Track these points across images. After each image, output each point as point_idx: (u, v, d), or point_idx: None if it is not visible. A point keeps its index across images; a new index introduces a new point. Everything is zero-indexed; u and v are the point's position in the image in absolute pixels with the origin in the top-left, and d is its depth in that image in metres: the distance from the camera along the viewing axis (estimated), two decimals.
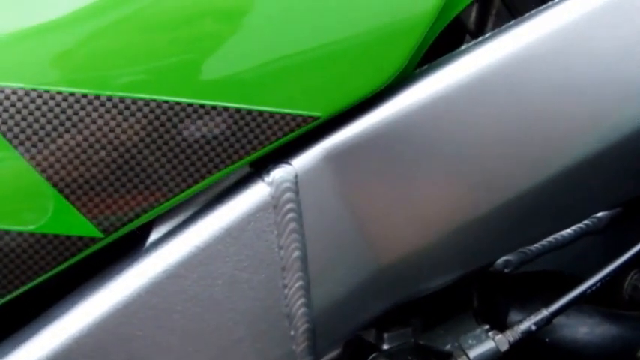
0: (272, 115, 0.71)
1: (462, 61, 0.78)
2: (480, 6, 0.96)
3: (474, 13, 0.97)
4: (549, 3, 0.82)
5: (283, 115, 0.71)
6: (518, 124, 0.79)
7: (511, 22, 0.81)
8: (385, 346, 0.91)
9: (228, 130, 0.70)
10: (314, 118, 0.72)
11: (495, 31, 0.81)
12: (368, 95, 0.73)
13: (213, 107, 0.69)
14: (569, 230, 0.87)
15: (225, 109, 0.69)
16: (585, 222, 0.87)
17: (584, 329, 0.92)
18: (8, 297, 0.71)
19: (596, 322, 0.93)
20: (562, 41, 0.78)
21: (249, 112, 0.70)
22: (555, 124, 0.80)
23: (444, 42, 0.83)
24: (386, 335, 0.92)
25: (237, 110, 0.70)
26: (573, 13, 0.79)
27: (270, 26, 0.70)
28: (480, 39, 0.81)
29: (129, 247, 0.74)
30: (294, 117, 0.71)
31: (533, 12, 0.81)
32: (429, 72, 0.78)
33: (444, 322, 0.91)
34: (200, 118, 0.69)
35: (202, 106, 0.69)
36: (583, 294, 0.85)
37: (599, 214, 0.88)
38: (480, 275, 0.88)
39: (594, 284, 0.84)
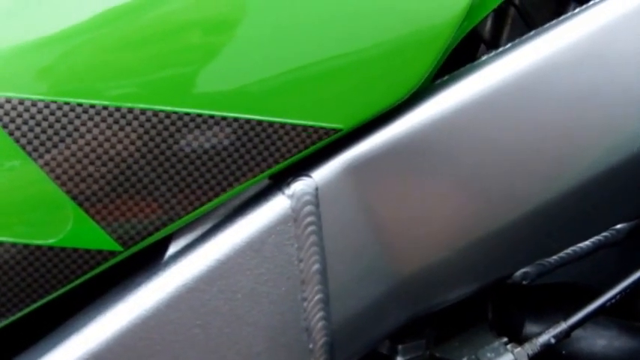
0: (294, 127, 0.70)
1: (483, 72, 0.77)
2: (496, 15, 0.96)
3: (489, 23, 0.97)
4: (569, 14, 0.81)
5: (305, 127, 0.70)
6: (538, 136, 0.78)
7: (531, 33, 0.81)
8: (399, 359, 0.90)
9: (250, 142, 0.69)
10: (336, 130, 0.71)
11: (515, 42, 0.80)
12: (391, 106, 0.73)
13: (235, 119, 0.68)
14: (587, 242, 0.86)
15: (247, 121, 0.69)
16: (604, 233, 0.86)
17: (601, 342, 0.92)
18: (25, 311, 0.70)
19: (614, 334, 0.92)
20: (581, 53, 0.78)
21: (271, 124, 0.69)
22: (574, 136, 0.79)
23: (459, 51, 0.83)
24: (400, 347, 0.91)
25: (259, 122, 0.69)
26: (593, 25, 0.78)
27: (292, 37, 0.69)
28: (499, 50, 0.80)
29: (146, 259, 0.73)
30: (316, 129, 0.70)
31: (553, 22, 0.80)
32: (450, 83, 0.77)
33: (459, 334, 0.90)
34: (222, 130, 0.68)
35: (224, 118, 0.68)
36: (602, 306, 0.84)
37: (618, 226, 0.87)
38: (495, 287, 0.88)
39: (614, 297, 0.84)
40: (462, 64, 0.81)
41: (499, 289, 0.90)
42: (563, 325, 0.84)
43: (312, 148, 0.71)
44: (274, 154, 0.70)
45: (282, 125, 0.69)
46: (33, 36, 0.66)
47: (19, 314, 0.69)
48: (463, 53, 0.86)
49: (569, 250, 0.86)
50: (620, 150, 0.81)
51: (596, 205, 0.83)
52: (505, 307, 0.94)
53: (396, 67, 0.72)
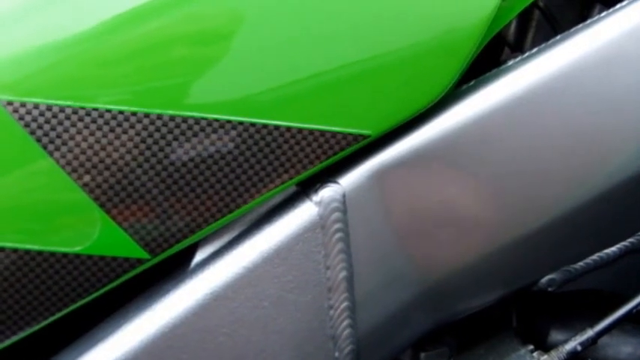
0: (322, 133, 0.69)
1: (509, 78, 0.76)
2: (520, 18, 0.95)
3: (513, 25, 0.96)
4: (596, 18, 0.80)
5: (334, 134, 0.69)
6: (566, 142, 0.77)
7: (557, 38, 0.80)
8: None
9: (279, 148, 0.68)
10: (364, 137, 0.70)
11: (542, 46, 0.79)
12: (419, 112, 0.72)
13: (264, 126, 0.68)
14: (613, 248, 0.85)
15: (276, 127, 0.68)
16: (630, 239, 0.86)
17: (627, 349, 0.91)
18: (51, 319, 0.69)
19: None
20: (608, 57, 0.77)
21: (300, 130, 0.68)
22: (602, 141, 0.79)
23: (483, 54, 0.82)
24: (422, 355, 0.90)
25: (288, 129, 0.68)
26: (620, 29, 0.78)
27: (321, 42, 0.68)
28: (526, 55, 0.79)
29: (172, 266, 0.73)
30: (344, 135, 0.69)
31: (580, 27, 0.80)
32: (477, 89, 0.76)
33: (484, 342, 0.89)
34: (251, 136, 0.68)
35: (253, 124, 0.67)
36: (629, 313, 0.83)
37: None
38: (519, 294, 0.87)
39: None
40: (485, 67, 0.81)
41: (524, 296, 0.90)
42: (590, 332, 0.83)
43: (340, 155, 0.70)
44: (303, 160, 0.69)
45: (311, 131, 0.69)
46: (61, 42, 0.65)
47: (45, 322, 0.69)
48: (487, 56, 0.85)
49: (595, 257, 0.85)
50: None
51: (623, 210, 0.83)
52: (530, 314, 0.93)
53: (424, 72, 0.71)
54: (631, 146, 0.80)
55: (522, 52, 0.93)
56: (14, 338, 0.69)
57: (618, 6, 0.80)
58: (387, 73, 0.70)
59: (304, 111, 0.68)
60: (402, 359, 0.91)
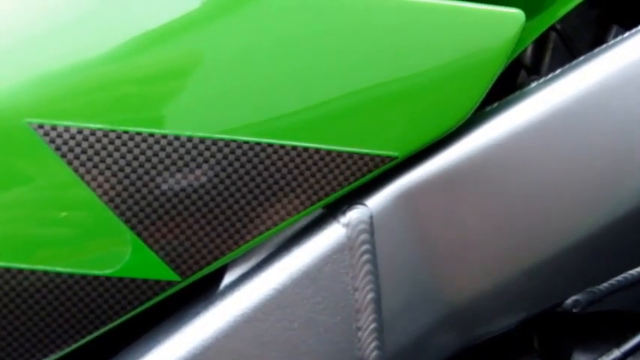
0: (351, 155, 0.69)
1: (533, 99, 0.76)
2: (537, 41, 0.95)
3: (529, 48, 0.96)
4: (619, 38, 0.81)
5: (362, 156, 0.69)
6: (591, 163, 0.77)
7: (580, 59, 0.80)
8: None
9: (308, 170, 0.69)
10: (391, 158, 0.70)
11: (565, 68, 0.80)
12: (445, 133, 0.72)
13: (293, 147, 0.68)
14: (638, 269, 0.85)
15: (305, 149, 0.68)
16: None
17: None
18: (81, 342, 0.69)
19: None
20: (632, 79, 0.77)
21: (329, 152, 0.69)
22: (626, 162, 0.79)
23: (499, 79, 0.82)
24: None
25: (317, 150, 0.68)
26: None
27: (349, 65, 0.69)
28: (549, 76, 0.80)
29: (199, 289, 0.73)
30: (372, 157, 0.70)
31: (603, 47, 0.80)
32: (501, 110, 0.77)
33: None
34: (280, 159, 0.68)
35: (282, 146, 0.68)
36: None
37: None
38: (542, 315, 0.87)
39: None
40: (501, 92, 0.81)
41: (545, 318, 0.89)
42: (617, 353, 0.83)
43: (367, 176, 0.71)
44: (331, 182, 0.70)
45: (339, 153, 0.69)
46: (91, 64, 0.65)
47: (75, 345, 0.69)
48: (503, 80, 0.85)
49: (620, 277, 0.85)
50: None
51: None
52: (552, 336, 0.93)
53: (451, 94, 0.72)
54: None
55: (539, 75, 0.94)
56: None
57: (638, 28, 0.81)
58: (414, 95, 0.70)
59: (333, 133, 0.69)
60: None
